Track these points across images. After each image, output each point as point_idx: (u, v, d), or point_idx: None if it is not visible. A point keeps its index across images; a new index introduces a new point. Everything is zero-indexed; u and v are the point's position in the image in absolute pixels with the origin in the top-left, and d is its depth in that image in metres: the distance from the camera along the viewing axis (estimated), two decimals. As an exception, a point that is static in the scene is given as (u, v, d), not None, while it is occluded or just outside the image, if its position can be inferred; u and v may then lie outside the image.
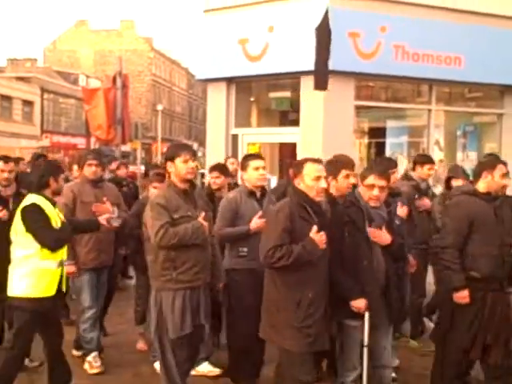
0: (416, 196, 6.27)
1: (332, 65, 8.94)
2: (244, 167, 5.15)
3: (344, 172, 4.88)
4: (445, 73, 9.79)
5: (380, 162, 5.24)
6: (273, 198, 5.34)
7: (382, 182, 4.34)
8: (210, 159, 10.62)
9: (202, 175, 9.54)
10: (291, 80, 9.95)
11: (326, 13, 7.54)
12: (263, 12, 9.57)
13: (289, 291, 4.06)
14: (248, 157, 5.33)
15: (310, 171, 4.13)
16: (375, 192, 4.31)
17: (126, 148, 26.06)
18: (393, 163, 5.69)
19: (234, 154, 10.28)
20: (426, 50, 9.57)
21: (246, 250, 4.98)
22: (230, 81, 10.30)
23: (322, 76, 7.68)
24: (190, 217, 4.40)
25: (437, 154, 10.60)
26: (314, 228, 4.00)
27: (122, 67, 11.07)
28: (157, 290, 4.46)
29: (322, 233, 4.02)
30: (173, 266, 4.36)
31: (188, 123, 73.56)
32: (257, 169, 5.08)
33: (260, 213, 4.92)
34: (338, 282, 4.20)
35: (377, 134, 10.95)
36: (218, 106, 10.44)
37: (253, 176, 5.08)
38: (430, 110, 10.36)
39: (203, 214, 4.47)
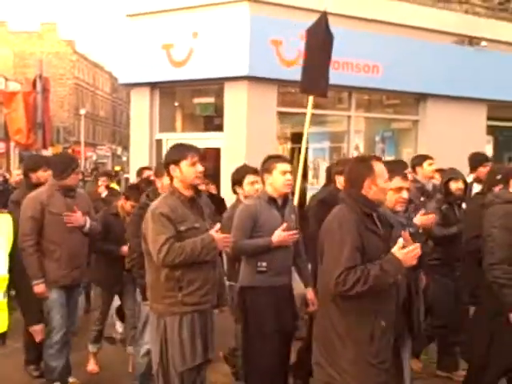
0: (422, 199, 5.90)
1: (254, 71, 9.13)
2: (268, 170, 4.45)
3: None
4: (363, 81, 10.14)
5: (395, 164, 4.75)
6: (295, 207, 4.84)
7: (407, 184, 4.10)
8: (134, 164, 10.55)
9: (127, 180, 9.45)
10: (215, 86, 10.04)
11: (324, 15, 7.03)
12: (187, 18, 9.62)
13: (359, 321, 3.31)
14: (274, 158, 4.57)
15: (381, 172, 3.49)
16: (404, 194, 4.00)
17: (47, 153, 25.38)
18: (405, 165, 5.47)
19: (158, 159, 10.28)
20: (346, 58, 9.86)
21: (265, 264, 4.33)
22: (153, 86, 10.28)
23: (309, 78, 7.35)
24: (198, 229, 3.85)
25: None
26: (400, 241, 3.27)
27: (42, 70, 10.83)
28: (159, 315, 3.88)
29: (413, 247, 3.27)
30: (178, 287, 3.79)
31: (112, 127, 72.40)
32: (284, 173, 4.41)
33: (285, 224, 4.33)
34: None
35: (299, 140, 11.15)
36: (142, 110, 10.39)
37: (279, 181, 4.40)
38: (349, 117, 10.68)
39: (218, 225, 3.89)
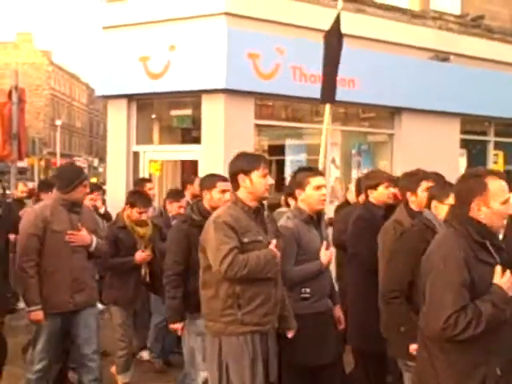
0: None
1: (231, 84, 9.18)
2: (301, 185, 4.15)
3: (425, 184, 4.20)
4: (340, 94, 10.17)
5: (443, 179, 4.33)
6: (326, 223, 4.58)
7: None
8: (111, 176, 10.52)
9: (104, 192, 9.38)
10: (192, 98, 10.06)
11: (338, 17, 6.95)
12: (164, 30, 9.64)
13: (468, 366, 2.81)
14: (306, 172, 4.26)
15: (498, 191, 2.86)
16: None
17: (23, 164, 25.17)
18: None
19: (135, 172, 10.25)
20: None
21: (308, 290, 4.02)
22: (130, 98, 10.27)
23: (329, 88, 7.27)
24: (261, 242, 3.59)
25: (333, 172, 11.04)
26: (498, 270, 2.82)
27: (18, 81, 10.77)
28: (214, 334, 3.59)
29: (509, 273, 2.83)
30: (237, 304, 3.50)
31: (89, 139, 71.98)
32: (318, 188, 4.10)
33: (325, 243, 4.11)
34: None
35: (277, 152, 11.24)
36: (119, 122, 10.36)
37: (313, 197, 4.09)
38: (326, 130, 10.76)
39: (274, 241, 3.64)
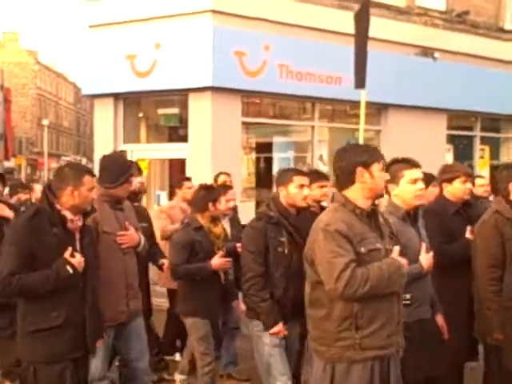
0: None
1: (218, 82, 9.17)
2: (394, 178, 3.67)
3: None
4: (326, 91, 10.26)
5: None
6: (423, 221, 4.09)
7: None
8: (99, 175, 10.48)
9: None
10: (179, 96, 10.05)
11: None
12: (150, 28, 9.61)
13: None
14: (399, 163, 3.78)
15: None
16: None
17: (10, 164, 25.06)
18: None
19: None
20: (309, 69, 9.99)
21: (408, 296, 3.56)
22: (117, 96, 10.23)
23: (360, 73, 7.20)
24: (379, 250, 3.08)
25: (321, 169, 11.05)
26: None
27: (3, 80, 10.71)
28: (327, 361, 3.08)
29: None
30: (355, 325, 2.99)
31: (76, 138, 71.66)
32: (415, 181, 3.69)
33: (424, 245, 3.69)
34: None
35: (264, 150, 11.25)
36: (106, 121, 10.33)
37: (409, 191, 3.69)
38: (313, 127, 10.80)
39: (397, 248, 3.13)
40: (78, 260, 3.50)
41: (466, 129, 13.03)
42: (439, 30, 11.80)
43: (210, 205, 5.07)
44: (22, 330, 3.58)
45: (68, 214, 3.56)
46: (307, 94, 10.20)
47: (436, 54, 11.46)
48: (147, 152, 10.56)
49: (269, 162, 11.10)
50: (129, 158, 10.27)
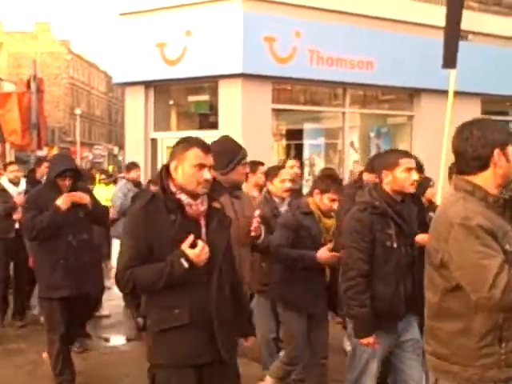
0: None
1: (248, 68, 9.13)
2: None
3: None
4: (358, 76, 10.14)
5: None
6: None
7: None
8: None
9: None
10: (210, 83, 10.04)
11: None
12: (180, 16, 9.61)
13: None
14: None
15: None
16: None
17: (43, 153, 25.40)
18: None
19: (154, 158, 10.27)
20: (340, 54, 9.88)
21: None
22: (148, 84, 10.27)
23: (451, 52, 6.56)
24: None
25: (352, 155, 10.97)
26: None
27: (36, 70, 10.81)
28: (464, 383, 2.55)
29: None
30: (498, 339, 2.50)
31: (108, 127, 72.32)
32: None
33: None
34: None
35: (294, 136, 11.20)
36: (137, 109, 10.39)
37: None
38: (344, 113, 10.70)
39: None
40: (197, 252, 2.92)
41: (500, 113, 12.76)
42: (473, 12, 11.54)
43: (321, 194, 4.48)
44: (148, 329, 3.12)
45: (184, 198, 2.99)
46: (338, 80, 10.10)
47: (469, 37, 11.22)
48: (177, 140, 10.59)
49: (299, 148, 11.04)
50: (159, 146, 10.35)
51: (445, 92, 10.82)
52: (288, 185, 5.00)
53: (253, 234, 3.78)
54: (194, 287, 2.99)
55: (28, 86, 10.42)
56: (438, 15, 10.97)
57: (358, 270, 3.66)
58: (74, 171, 5.11)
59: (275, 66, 9.39)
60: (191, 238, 2.93)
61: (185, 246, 2.92)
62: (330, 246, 4.27)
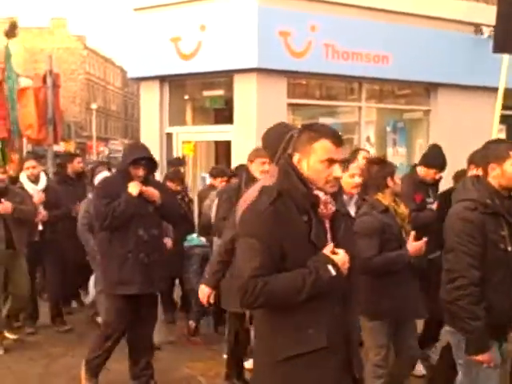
0: None
1: (263, 63, 9.09)
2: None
3: None
4: (373, 71, 10.06)
5: None
6: None
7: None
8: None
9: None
10: (224, 78, 10.01)
11: None
12: (195, 10, 9.58)
13: None
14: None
15: None
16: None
17: (60, 148, 25.56)
18: None
19: (169, 153, 10.27)
20: (356, 48, 9.80)
21: None
22: (163, 79, 10.27)
23: (503, 35, 6.28)
24: None
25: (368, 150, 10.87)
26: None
27: (52, 66, 10.84)
28: None
29: None
30: None
31: (124, 121, 72.63)
32: None
33: None
34: None
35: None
36: (152, 104, 10.39)
37: None
38: (360, 108, 10.62)
39: None
40: (342, 258, 2.52)
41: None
42: (492, 6, 11.39)
43: (389, 180, 4.25)
44: (268, 355, 2.55)
45: (321, 195, 2.55)
46: (354, 74, 10.02)
47: (486, 31, 11.08)
48: (193, 134, 10.59)
49: (315, 143, 10.97)
50: (174, 140, 10.35)
51: (462, 86, 10.80)
52: (358, 180, 4.56)
53: None
54: (329, 301, 2.52)
55: (44, 81, 10.46)
56: (454, 9, 10.87)
57: (469, 278, 3.19)
58: (149, 160, 4.82)
59: (290, 61, 9.34)
60: (331, 244, 2.53)
61: (327, 251, 2.50)
62: (413, 233, 4.02)
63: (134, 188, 4.68)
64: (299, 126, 10.17)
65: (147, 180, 4.81)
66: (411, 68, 10.17)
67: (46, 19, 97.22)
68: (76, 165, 8.12)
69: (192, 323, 6.48)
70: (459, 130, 10.36)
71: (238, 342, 5.01)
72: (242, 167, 5.48)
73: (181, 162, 8.70)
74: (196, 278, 6.27)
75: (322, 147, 2.53)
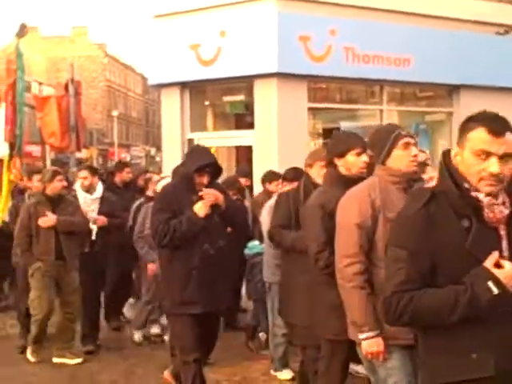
0: None
1: (284, 68, 9.08)
2: None
3: None
4: (395, 74, 9.99)
5: None
6: None
7: None
8: (167, 164, 10.60)
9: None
10: (245, 83, 10.01)
11: None
12: (214, 17, 9.60)
13: None
14: None
15: None
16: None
17: (82, 155, 25.79)
18: None
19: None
20: (376, 51, 9.75)
21: None
22: (183, 85, 10.30)
23: None
24: None
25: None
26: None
27: (73, 74, 10.95)
28: None
29: None
30: None
31: (145, 128, 73.08)
32: None
33: None
34: None
35: (331, 135, 11.08)
36: (173, 110, 10.43)
37: None
38: (381, 111, 10.55)
39: None
40: (509, 272, 2.07)
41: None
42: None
43: None
44: (427, 379, 2.26)
45: (482, 197, 2.13)
46: (375, 77, 9.96)
47: (510, 32, 10.96)
48: (214, 140, 10.59)
49: (336, 148, 10.92)
50: (196, 146, 10.34)
51: (485, 88, 10.68)
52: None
53: None
54: (497, 321, 2.09)
55: (66, 89, 10.57)
56: (476, 9, 10.76)
57: None
58: (214, 167, 4.45)
59: (311, 65, 9.31)
60: (496, 254, 2.10)
61: (489, 264, 2.08)
62: None
63: (201, 210, 4.26)
64: (320, 131, 10.11)
65: (208, 186, 4.43)
66: (433, 70, 10.08)
67: (67, 28, 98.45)
68: (125, 175, 7.90)
69: (263, 335, 6.14)
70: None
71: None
72: (295, 171, 5.21)
73: (247, 173, 8.38)
74: (263, 287, 5.71)
75: (477, 137, 2.14)
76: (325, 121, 11.08)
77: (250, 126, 9.86)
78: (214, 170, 4.46)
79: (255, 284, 5.94)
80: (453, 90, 10.93)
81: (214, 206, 4.34)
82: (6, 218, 7.31)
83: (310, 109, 9.84)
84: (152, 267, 6.12)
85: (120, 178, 7.82)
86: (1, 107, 8.51)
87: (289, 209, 4.39)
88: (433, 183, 2.99)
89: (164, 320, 6.20)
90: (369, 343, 3.04)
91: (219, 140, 10.63)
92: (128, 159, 55.45)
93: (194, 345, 4.30)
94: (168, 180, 5.88)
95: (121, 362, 5.93)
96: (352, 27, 9.50)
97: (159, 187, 5.84)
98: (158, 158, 58.16)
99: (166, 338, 6.39)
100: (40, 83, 47.51)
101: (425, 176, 4.31)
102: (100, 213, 6.38)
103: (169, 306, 4.44)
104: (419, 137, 11.46)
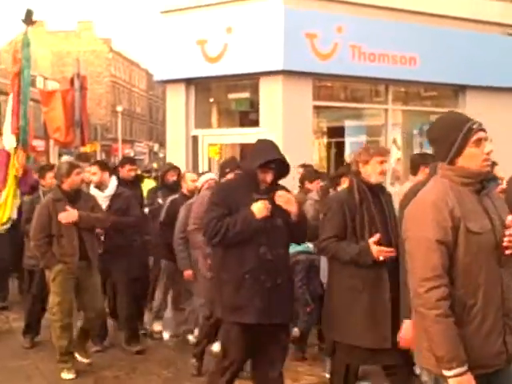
0: None
1: (289, 65, 9.06)
2: None
3: None
4: (400, 73, 9.97)
5: None
6: None
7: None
8: (171, 160, 10.60)
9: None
10: (250, 81, 10.00)
11: None
12: (221, 13, 9.59)
13: None
14: None
15: None
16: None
17: (85, 149, 25.78)
18: None
19: (195, 156, 10.29)
20: (382, 50, 9.73)
21: None
22: (188, 82, 10.29)
23: None
24: None
25: (394, 153, 10.78)
26: None
27: (79, 69, 10.94)
28: None
29: None
30: None
31: (149, 124, 73.04)
32: None
33: None
34: None
35: (336, 134, 11.07)
36: (178, 107, 10.42)
37: None
38: (386, 110, 10.53)
39: None
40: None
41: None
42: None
43: None
44: None
45: None
46: (380, 76, 9.94)
47: None
48: (218, 137, 10.60)
49: (341, 146, 10.92)
50: (200, 143, 10.34)
51: (491, 88, 10.64)
52: None
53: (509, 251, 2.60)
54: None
55: (71, 83, 10.56)
56: (483, 9, 10.73)
57: None
58: (281, 163, 4.00)
59: (316, 63, 9.30)
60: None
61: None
62: None
63: (260, 211, 3.86)
64: (325, 129, 10.11)
65: (276, 186, 4.01)
66: (439, 70, 10.06)
67: (72, 22, 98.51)
68: (126, 172, 7.09)
69: (297, 331, 5.51)
70: (489, 132, 10.19)
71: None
72: (343, 169, 4.93)
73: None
74: (302, 287, 5.32)
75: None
76: (329, 119, 11.07)
77: (255, 123, 9.85)
78: (280, 167, 4.01)
79: (295, 284, 5.03)
80: (459, 90, 10.90)
81: (280, 210, 3.92)
82: (14, 216, 7.08)
83: (315, 107, 9.82)
84: (189, 274, 5.80)
85: (121, 174, 7.11)
86: (9, 98, 8.45)
87: (344, 217, 3.97)
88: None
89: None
90: (459, 381, 2.51)
91: (224, 137, 10.63)
92: (132, 155, 55.52)
93: (239, 357, 3.98)
94: (209, 175, 5.85)
95: (124, 358, 5.93)
96: (358, 25, 9.48)
97: (200, 183, 5.79)
98: (161, 154, 58.18)
99: (166, 335, 6.53)
100: (45, 78, 47.55)
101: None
102: (115, 211, 5.92)
103: (220, 312, 4.06)
104: (424, 137, 11.44)
